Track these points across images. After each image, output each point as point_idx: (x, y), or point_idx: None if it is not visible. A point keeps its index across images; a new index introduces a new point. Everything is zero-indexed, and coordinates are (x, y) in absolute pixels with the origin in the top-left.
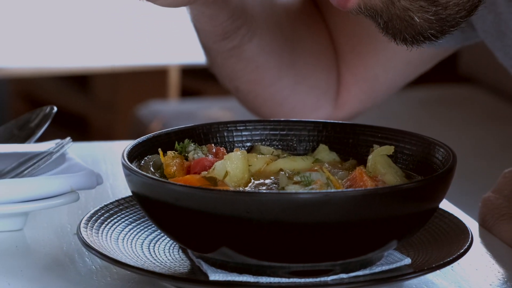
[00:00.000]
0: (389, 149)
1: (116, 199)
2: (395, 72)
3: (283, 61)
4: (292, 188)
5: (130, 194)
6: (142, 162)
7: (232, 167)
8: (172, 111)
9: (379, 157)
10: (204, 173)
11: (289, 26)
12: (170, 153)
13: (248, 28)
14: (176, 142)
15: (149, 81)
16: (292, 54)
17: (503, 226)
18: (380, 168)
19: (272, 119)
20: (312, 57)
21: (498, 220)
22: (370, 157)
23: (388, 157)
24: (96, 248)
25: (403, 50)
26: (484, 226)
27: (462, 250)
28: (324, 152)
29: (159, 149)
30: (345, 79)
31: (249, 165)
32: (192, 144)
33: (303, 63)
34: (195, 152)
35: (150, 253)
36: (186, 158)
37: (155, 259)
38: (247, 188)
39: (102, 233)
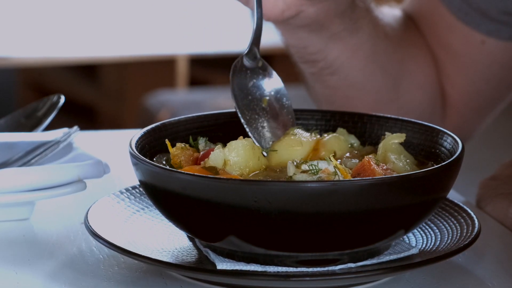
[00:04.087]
0: (400, 137)
1: (124, 188)
2: (496, 80)
3: (382, 96)
4: (300, 177)
5: (138, 183)
6: (155, 159)
7: (232, 155)
8: (180, 100)
9: (389, 145)
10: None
11: (395, 63)
12: (179, 144)
13: (327, 65)
14: (191, 137)
15: (157, 71)
16: (395, 90)
17: (497, 204)
18: (390, 156)
19: None
20: (419, 89)
21: (493, 198)
22: (380, 145)
23: (399, 145)
24: (104, 237)
25: (498, 54)
26: (479, 206)
27: (470, 240)
28: (344, 135)
29: (166, 140)
30: (452, 98)
31: (275, 151)
32: (202, 138)
33: (408, 99)
34: (206, 145)
35: (157, 242)
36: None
37: (162, 249)
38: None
39: (109, 222)
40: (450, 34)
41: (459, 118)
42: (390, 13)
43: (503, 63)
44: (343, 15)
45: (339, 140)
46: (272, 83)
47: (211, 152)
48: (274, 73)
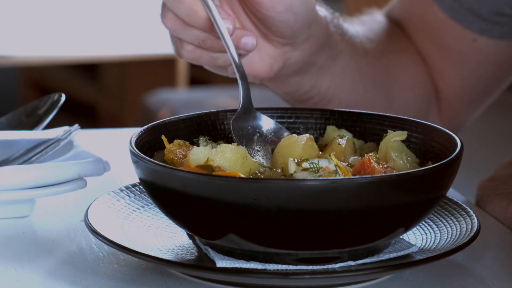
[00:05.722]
0: (402, 134)
1: (124, 186)
2: (487, 76)
3: (377, 107)
4: (300, 175)
5: (138, 181)
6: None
7: (218, 157)
8: (180, 99)
9: (391, 142)
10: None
11: (382, 73)
12: (177, 141)
13: (321, 97)
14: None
15: (157, 70)
16: (388, 97)
17: (496, 203)
18: (391, 154)
19: (279, 107)
20: (410, 91)
21: (493, 198)
22: (382, 142)
23: (401, 143)
24: (103, 235)
25: (490, 51)
26: (479, 205)
27: (469, 238)
28: (335, 131)
29: (163, 136)
30: (445, 94)
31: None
32: (202, 138)
33: (402, 102)
34: (207, 144)
35: (157, 240)
36: None
37: (162, 246)
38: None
39: (109, 220)
40: (443, 32)
41: (452, 112)
42: (369, 22)
43: (494, 60)
44: (324, 46)
45: (350, 143)
46: (270, 132)
47: (193, 147)
48: (273, 122)
